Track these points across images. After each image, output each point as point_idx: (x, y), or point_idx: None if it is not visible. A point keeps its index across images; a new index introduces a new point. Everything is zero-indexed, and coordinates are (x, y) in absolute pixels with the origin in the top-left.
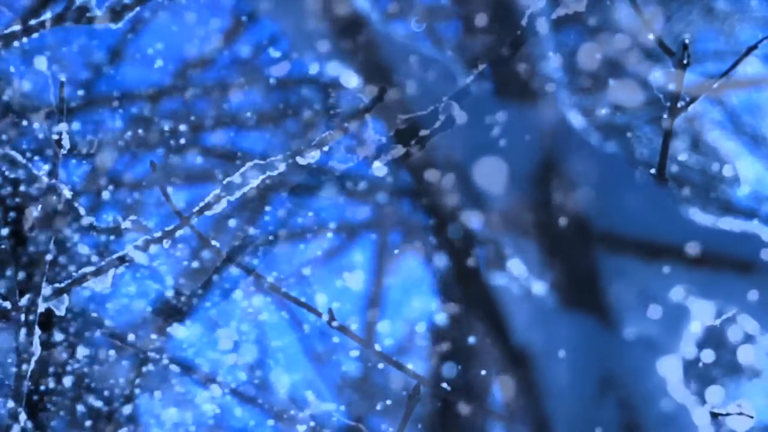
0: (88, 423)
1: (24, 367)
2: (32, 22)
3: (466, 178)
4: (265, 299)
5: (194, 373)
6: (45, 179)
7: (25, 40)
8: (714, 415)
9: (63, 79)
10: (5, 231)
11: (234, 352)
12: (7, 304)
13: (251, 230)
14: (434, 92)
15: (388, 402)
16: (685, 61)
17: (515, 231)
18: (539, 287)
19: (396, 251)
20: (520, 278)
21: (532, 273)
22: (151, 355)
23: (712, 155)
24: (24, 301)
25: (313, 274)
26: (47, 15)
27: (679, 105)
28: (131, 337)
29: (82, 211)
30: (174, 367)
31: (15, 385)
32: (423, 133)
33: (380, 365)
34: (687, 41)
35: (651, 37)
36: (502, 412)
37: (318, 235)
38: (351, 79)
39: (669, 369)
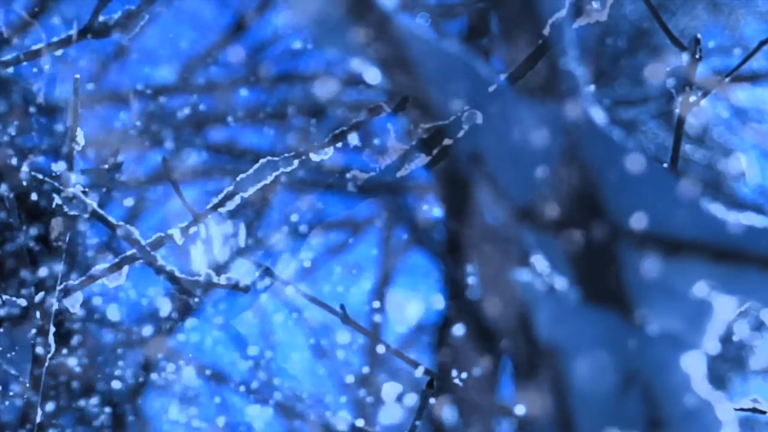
0: (93, 421)
1: (39, 363)
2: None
3: (486, 174)
4: (273, 296)
5: (201, 371)
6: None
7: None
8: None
9: (77, 75)
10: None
11: (241, 350)
12: (23, 302)
13: (259, 228)
14: (457, 94)
15: (396, 399)
16: (697, 56)
17: (537, 226)
18: (562, 283)
19: (403, 246)
20: (543, 274)
21: (555, 269)
22: (159, 353)
23: (718, 150)
24: (39, 298)
25: (319, 270)
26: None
27: (690, 99)
28: (139, 335)
29: (160, 260)
30: (181, 366)
31: (31, 383)
32: (446, 142)
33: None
34: (699, 36)
35: (662, 31)
36: (511, 406)
37: (324, 231)
38: (373, 76)
39: (693, 365)
